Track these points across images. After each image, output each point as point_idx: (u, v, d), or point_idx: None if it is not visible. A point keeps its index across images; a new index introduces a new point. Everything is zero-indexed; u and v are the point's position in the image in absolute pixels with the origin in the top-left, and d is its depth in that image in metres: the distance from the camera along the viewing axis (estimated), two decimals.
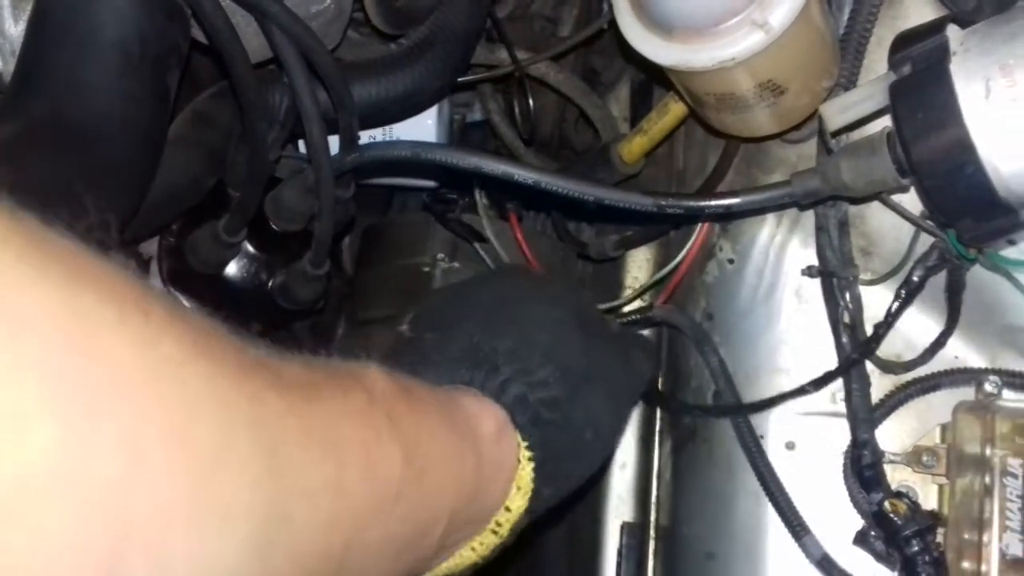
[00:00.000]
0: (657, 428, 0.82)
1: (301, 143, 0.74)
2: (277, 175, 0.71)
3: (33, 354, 0.23)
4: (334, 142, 0.68)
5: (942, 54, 0.47)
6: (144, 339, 0.26)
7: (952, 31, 0.48)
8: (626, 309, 0.83)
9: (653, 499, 0.81)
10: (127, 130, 0.50)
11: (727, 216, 0.66)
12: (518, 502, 0.47)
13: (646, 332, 0.82)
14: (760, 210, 0.63)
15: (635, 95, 0.91)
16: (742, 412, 0.64)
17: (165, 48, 0.53)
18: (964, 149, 0.46)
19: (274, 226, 0.69)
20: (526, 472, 0.47)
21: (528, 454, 0.48)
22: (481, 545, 0.47)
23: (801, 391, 0.62)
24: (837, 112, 0.52)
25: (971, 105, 0.46)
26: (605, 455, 0.55)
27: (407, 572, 0.43)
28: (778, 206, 0.60)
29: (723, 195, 0.59)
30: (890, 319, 0.59)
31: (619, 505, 0.88)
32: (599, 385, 0.52)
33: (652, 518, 0.81)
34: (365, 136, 0.71)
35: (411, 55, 0.69)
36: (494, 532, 0.47)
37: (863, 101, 0.52)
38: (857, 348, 0.60)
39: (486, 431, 0.47)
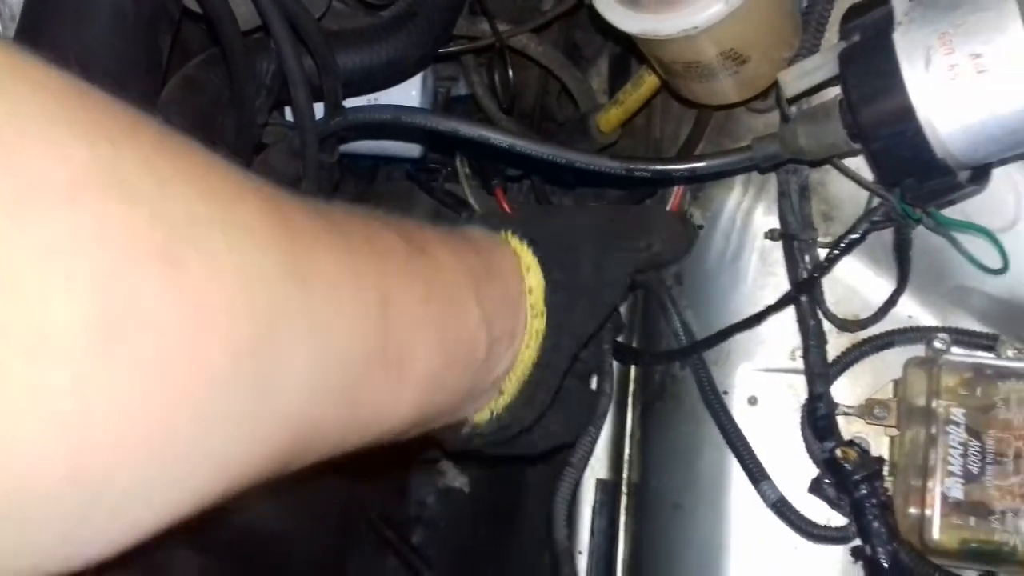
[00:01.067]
0: (631, 391, 0.85)
1: (288, 111, 0.77)
2: (264, 141, 0.73)
3: None
4: (319, 109, 0.71)
5: (887, 24, 0.50)
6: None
7: (900, 3, 0.52)
8: None
9: (626, 458, 0.85)
10: (121, 90, 0.53)
11: (692, 179, 0.69)
12: (536, 292, 0.51)
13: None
14: (723, 173, 0.66)
15: (614, 68, 0.93)
16: (696, 350, 0.67)
17: (157, 12, 0.56)
18: (905, 114, 0.49)
19: None
20: (529, 259, 0.52)
21: (528, 251, 0.52)
22: (520, 360, 0.51)
23: (747, 324, 0.66)
24: (793, 79, 0.56)
25: (912, 72, 0.49)
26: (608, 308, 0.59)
27: (465, 358, 0.46)
28: (739, 169, 0.63)
29: (688, 159, 0.62)
30: (827, 264, 0.62)
31: (594, 464, 0.91)
32: (600, 240, 0.57)
33: (624, 475, 0.85)
34: (350, 105, 0.74)
35: (394, 25, 0.71)
36: (529, 338, 0.51)
37: (817, 69, 0.55)
38: (797, 289, 0.63)
39: (475, 234, 0.52)
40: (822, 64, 0.54)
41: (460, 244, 0.49)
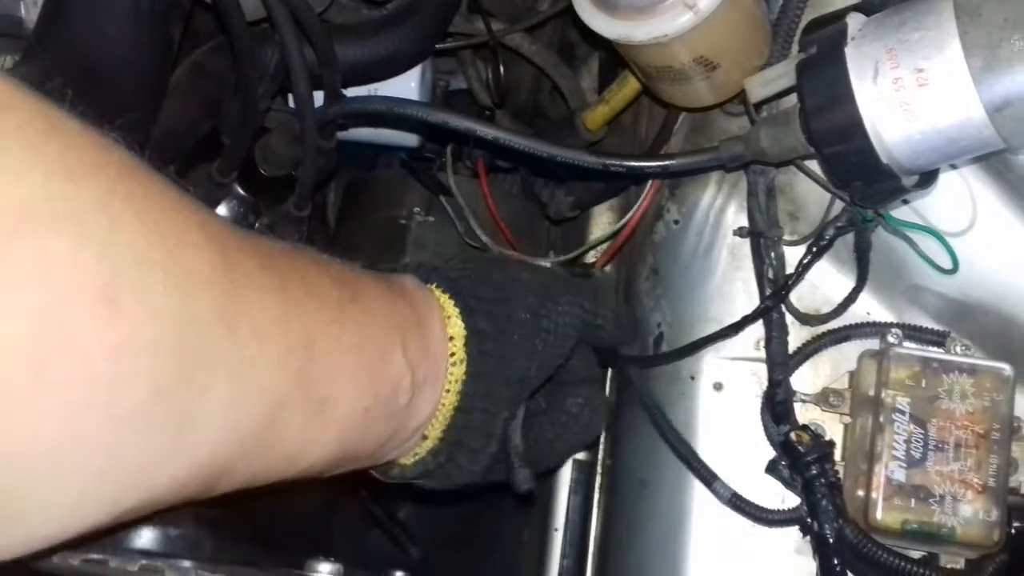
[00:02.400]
0: (609, 375, 0.90)
1: (290, 98, 0.81)
2: (266, 126, 0.78)
3: None
4: (319, 98, 0.75)
5: (841, 38, 0.54)
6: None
7: (856, 19, 0.56)
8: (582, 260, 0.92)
9: (602, 440, 0.89)
10: (135, 74, 0.58)
11: (663, 175, 0.73)
12: (458, 343, 0.52)
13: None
14: (691, 171, 0.70)
15: (603, 69, 0.98)
16: (667, 360, 0.72)
17: (170, 2, 0.60)
18: (854, 122, 0.53)
19: (262, 171, 0.77)
20: (449, 307, 0.53)
21: (447, 299, 0.53)
22: (442, 407, 0.52)
23: (722, 335, 0.69)
24: (758, 86, 0.60)
25: (861, 84, 0.53)
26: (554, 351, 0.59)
27: (385, 413, 0.48)
28: (707, 168, 0.67)
29: (659, 157, 0.67)
30: (800, 271, 0.66)
31: None
32: (540, 290, 0.58)
33: (600, 456, 0.89)
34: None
35: (393, 20, 0.76)
36: (449, 384, 0.52)
37: (780, 77, 0.59)
38: (770, 296, 0.67)
39: (405, 282, 0.53)
40: (784, 73, 0.59)
41: (391, 293, 0.51)
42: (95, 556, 0.41)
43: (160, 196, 0.33)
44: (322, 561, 0.51)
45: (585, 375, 0.70)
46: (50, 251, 0.27)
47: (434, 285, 0.54)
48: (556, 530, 0.95)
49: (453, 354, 0.53)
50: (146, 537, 0.47)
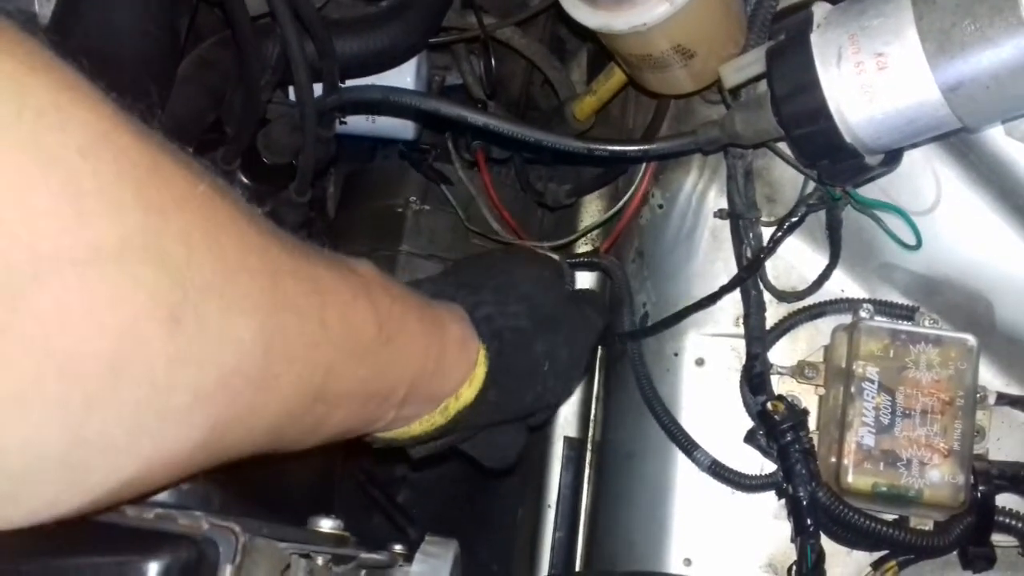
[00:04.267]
0: (599, 356, 0.93)
1: (291, 90, 0.85)
2: (268, 116, 0.82)
3: None
4: (319, 90, 0.79)
5: (806, 25, 0.58)
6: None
7: (821, 7, 0.59)
8: (579, 250, 0.96)
9: (592, 418, 0.93)
10: (145, 65, 0.61)
11: (644, 159, 0.77)
12: (467, 394, 0.57)
13: (591, 274, 0.94)
14: (671, 155, 0.74)
15: (591, 62, 1.01)
16: (653, 332, 0.75)
17: None
18: (819, 105, 0.57)
19: (264, 159, 0.80)
20: (480, 371, 0.58)
21: (485, 357, 0.58)
22: (428, 422, 0.58)
23: (701, 305, 0.73)
24: (731, 72, 0.64)
25: (825, 68, 0.57)
26: (559, 391, 0.64)
27: (364, 424, 0.54)
28: (685, 151, 0.71)
29: (639, 142, 0.70)
30: (773, 245, 0.70)
31: (564, 424, 0.99)
32: (561, 328, 0.63)
33: (590, 433, 0.93)
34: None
35: (388, 15, 0.80)
36: (442, 414, 0.58)
37: (752, 64, 0.63)
38: (746, 268, 0.71)
39: (453, 330, 0.57)
40: (756, 60, 0.62)
41: (426, 332, 0.54)
42: None
43: (230, 225, 0.38)
44: (323, 518, 0.55)
45: None
46: (139, 277, 0.33)
47: (478, 336, 0.58)
48: (549, 506, 0.98)
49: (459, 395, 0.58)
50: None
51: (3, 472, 0.32)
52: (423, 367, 0.54)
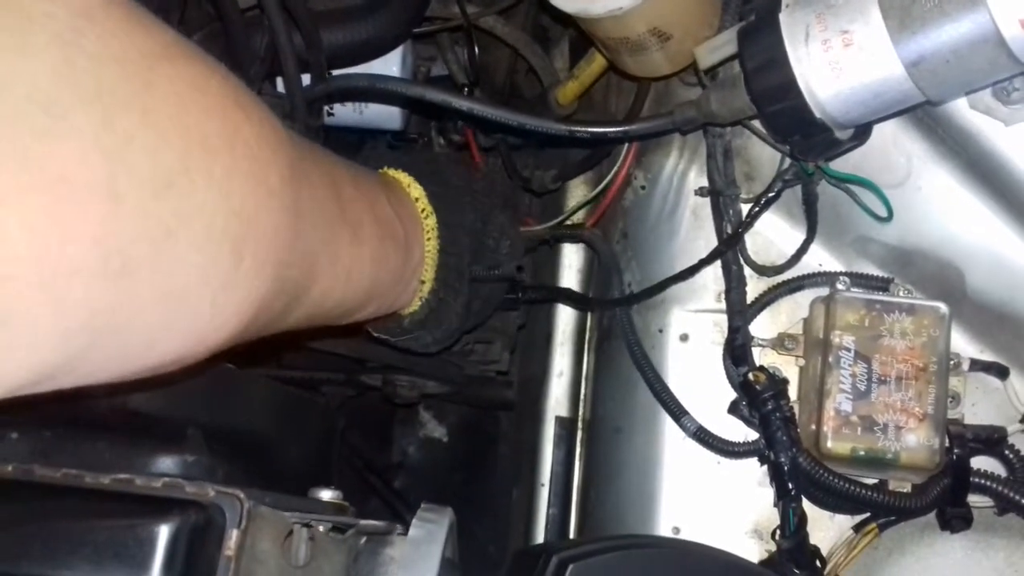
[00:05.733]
0: (587, 337, 0.96)
1: (279, 82, 0.87)
2: None
3: None
4: (307, 81, 0.81)
5: (775, 5, 0.60)
6: None
7: None
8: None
9: (582, 397, 0.95)
10: None
11: (623, 140, 0.79)
12: (415, 191, 0.68)
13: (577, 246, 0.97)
14: (649, 135, 0.76)
15: (573, 49, 1.03)
16: (636, 300, 0.78)
17: None
18: (789, 82, 0.59)
19: None
20: (403, 176, 0.69)
21: (399, 171, 0.69)
22: (427, 225, 0.68)
23: (682, 276, 0.76)
24: (706, 53, 0.66)
25: (794, 47, 0.59)
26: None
27: (389, 230, 0.62)
28: (663, 131, 0.73)
29: (619, 123, 0.73)
30: (751, 220, 0.72)
31: (556, 405, 1.01)
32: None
33: (580, 412, 0.95)
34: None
35: (372, 6, 0.82)
36: (425, 216, 0.68)
37: (725, 44, 0.65)
38: (725, 241, 0.73)
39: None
40: (729, 40, 0.64)
41: (374, 174, 0.68)
42: (123, 476, 0.47)
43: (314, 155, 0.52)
44: (324, 488, 0.57)
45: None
46: (270, 181, 0.41)
47: (385, 167, 0.70)
48: (542, 485, 1.00)
49: (423, 209, 0.67)
50: (166, 464, 0.53)
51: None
52: (382, 187, 0.65)
